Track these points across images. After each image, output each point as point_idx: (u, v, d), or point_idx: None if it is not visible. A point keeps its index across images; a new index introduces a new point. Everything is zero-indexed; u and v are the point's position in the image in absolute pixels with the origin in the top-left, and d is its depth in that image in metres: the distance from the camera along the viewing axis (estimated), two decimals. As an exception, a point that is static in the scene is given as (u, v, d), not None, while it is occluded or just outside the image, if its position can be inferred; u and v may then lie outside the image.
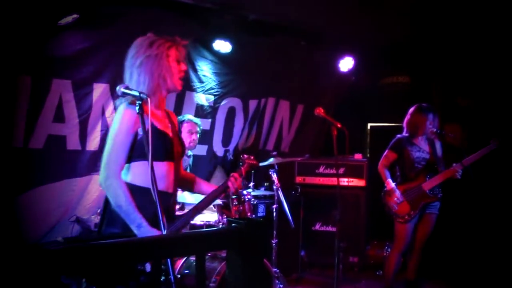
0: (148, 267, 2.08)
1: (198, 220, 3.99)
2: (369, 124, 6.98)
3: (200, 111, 5.47)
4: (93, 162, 4.56)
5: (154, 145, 2.25)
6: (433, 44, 6.02)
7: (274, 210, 4.35)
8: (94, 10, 4.25)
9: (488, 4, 4.78)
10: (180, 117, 4.43)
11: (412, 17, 5.24)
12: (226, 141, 5.93)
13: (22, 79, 4.04)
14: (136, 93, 2.19)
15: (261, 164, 4.07)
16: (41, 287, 1.08)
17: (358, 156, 5.93)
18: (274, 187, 4.31)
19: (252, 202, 4.29)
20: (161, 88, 2.43)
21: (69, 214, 4.41)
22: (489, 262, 5.16)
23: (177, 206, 3.73)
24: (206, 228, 3.98)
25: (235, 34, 5.32)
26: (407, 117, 4.45)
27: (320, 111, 3.96)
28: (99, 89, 4.49)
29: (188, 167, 4.68)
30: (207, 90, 5.51)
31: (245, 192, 4.19)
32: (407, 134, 4.42)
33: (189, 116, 4.53)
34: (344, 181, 5.71)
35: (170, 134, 2.49)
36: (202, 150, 5.61)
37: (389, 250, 5.29)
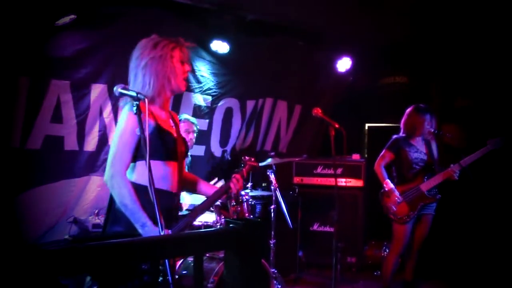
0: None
1: (196, 220, 3.99)
2: (367, 125, 6.99)
3: (197, 112, 5.47)
4: (90, 162, 4.56)
5: (159, 145, 2.31)
6: (432, 44, 6.02)
7: (272, 210, 4.35)
8: (93, 10, 4.26)
9: (488, 5, 4.78)
10: None
11: (412, 17, 5.24)
12: (223, 142, 5.92)
13: (19, 79, 4.03)
14: (133, 94, 2.19)
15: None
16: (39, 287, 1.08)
17: (356, 157, 5.93)
18: (272, 187, 4.31)
19: (250, 202, 4.29)
20: (165, 89, 2.46)
21: (67, 214, 4.40)
22: (486, 262, 5.16)
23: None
24: (204, 228, 3.98)
25: (233, 34, 5.32)
26: (404, 117, 4.44)
27: (318, 111, 3.96)
28: (97, 90, 4.49)
29: (187, 167, 4.68)
30: (204, 90, 5.51)
31: (243, 192, 4.19)
32: (404, 135, 4.42)
33: (185, 116, 4.54)
34: (342, 182, 5.71)
35: (174, 134, 2.51)
36: (199, 150, 5.61)
37: (387, 250, 5.29)
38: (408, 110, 4.45)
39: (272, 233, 4.31)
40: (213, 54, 5.43)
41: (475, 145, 4.21)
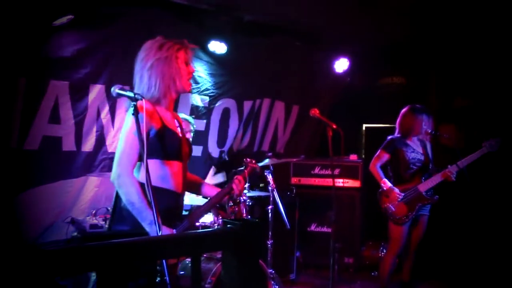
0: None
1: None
2: (364, 125, 7.00)
3: (195, 112, 5.47)
4: (88, 163, 4.56)
5: (165, 145, 2.36)
6: (431, 45, 6.02)
7: (269, 211, 4.35)
8: (93, 10, 4.25)
9: (487, 6, 4.79)
10: None
11: (411, 17, 5.24)
12: (221, 142, 5.93)
13: (19, 80, 4.03)
14: (131, 94, 2.20)
15: (256, 165, 4.07)
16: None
17: (353, 157, 5.94)
18: (270, 188, 4.31)
19: (247, 203, 4.29)
20: (171, 90, 2.48)
21: (64, 215, 4.40)
22: (483, 263, 5.17)
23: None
24: (201, 229, 3.98)
25: (231, 35, 5.32)
26: (399, 118, 4.44)
27: (315, 112, 3.97)
28: (95, 90, 4.49)
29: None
30: (202, 91, 5.51)
31: (240, 193, 4.18)
32: (399, 135, 4.42)
33: (182, 115, 4.53)
34: (339, 182, 5.71)
35: (179, 134, 2.53)
36: (197, 151, 5.61)
37: (384, 251, 5.30)
38: (404, 110, 4.44)
39: (270, 233, 4.31)
40: (211, 55, 5.43)
41: (473, 145, 4.21)
